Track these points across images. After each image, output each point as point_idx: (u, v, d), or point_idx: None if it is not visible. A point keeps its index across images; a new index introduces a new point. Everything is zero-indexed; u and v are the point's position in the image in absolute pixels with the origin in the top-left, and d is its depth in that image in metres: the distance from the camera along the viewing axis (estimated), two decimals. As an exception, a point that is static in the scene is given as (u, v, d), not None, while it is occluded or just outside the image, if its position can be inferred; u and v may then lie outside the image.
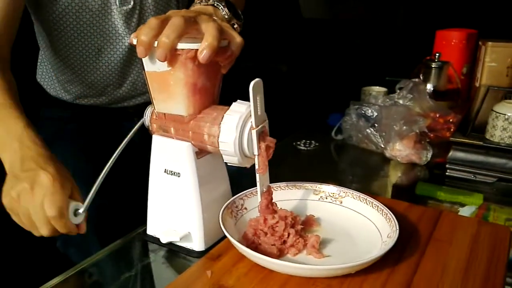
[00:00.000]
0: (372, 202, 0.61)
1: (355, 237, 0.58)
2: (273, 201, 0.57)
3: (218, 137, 0.53)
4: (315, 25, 2.60)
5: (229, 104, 0.55)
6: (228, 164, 0.56)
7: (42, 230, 0.58)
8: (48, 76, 1.00)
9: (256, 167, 0.54)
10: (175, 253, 0.60)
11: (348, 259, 0.52)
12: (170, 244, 0.60)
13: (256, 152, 0.53)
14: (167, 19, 0.51)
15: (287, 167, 0.93)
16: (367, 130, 0.98)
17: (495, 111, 0.85)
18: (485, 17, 1.87)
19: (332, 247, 0.56)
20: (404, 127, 0.91)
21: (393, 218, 0.56)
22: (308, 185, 0.67)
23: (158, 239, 0.60)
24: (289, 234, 0.55)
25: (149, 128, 0.60)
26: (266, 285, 0.49)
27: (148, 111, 0.60)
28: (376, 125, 0.97)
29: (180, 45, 0.51)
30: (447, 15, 2.02)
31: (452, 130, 1.00)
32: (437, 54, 1.21)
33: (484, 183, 0.86)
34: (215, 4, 0.63)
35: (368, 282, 0.50)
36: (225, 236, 0.53)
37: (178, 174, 0.58)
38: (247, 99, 0.51)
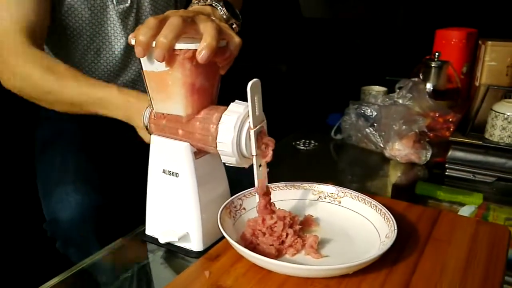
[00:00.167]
0: (371, 202, 0.61)
1: (353, 237, 0.58)
2: (271, 201, 0.57)
3: (216, 138, 0.53)
4: (315, 24, 2.60)
5: (228, 105, 0.55)
6: (226, 164, 0.56)
7: None
8: None
9: (254, 167, 0.54)
10: (174, 253, 0.60)
11: (347, 259, 0.51)
12: (169, 244, 0.60)
13: (254, 153, 0.53)
14: (165, 19, 0.51)
15: (286, 167, 0.93)
16: (367, 129, 0.98)
17: (494, 111, 0.85)
18: (485, 16, 1.86)
19: (331, 247, 0.56)
20: (404, 126, 0.91)
21: (391, 218, 0.56)
22: (307, 185, 0.67)
23: (157, 239, 0.60)
24: (287, 234, 0.55)
25: (148, 128, 0.60)
26: (264, 286, 0.49)
27: (146, 111, 0.60)
28: (375, 124, 0.97)
29: (178, 45, 0.51)
30: (446, 15, 2.02)
31: (451, 129, 1.00)
32: (437, 54, 1.21)
33: (483, 182, 0.86)
34: (213, 4, 0.63)
35: (367, 282, 0.50)
36: (223, 237, 0.53)
37: (177, 174, 0.58)
38: (246, 100, 0.51)
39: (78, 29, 0.88)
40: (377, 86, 1.20)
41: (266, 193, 0.56)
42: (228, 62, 0.57)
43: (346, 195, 0.64)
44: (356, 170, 0.96)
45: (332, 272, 0.49)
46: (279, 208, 0.57)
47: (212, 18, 0.55)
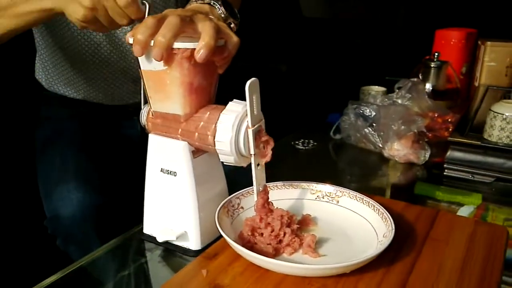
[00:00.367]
0: (369, 202, 0.61)
1: (351, 237, 0.58)
2: (269, 200, 0.57)
3: (215, 137, 0.53)
4: (314, 24, 2.60)
5: (226, 104, 0.55)
6: (225, 163, 0.56)
7: (123, 22, 0.59)
8: (46, 73, 1.00)
9: (252, 166, 0.54)
10: (172, 252, 0.60)
11: (344, 258, 0.52)
12: (167, 243, 0.60)
13: (252, 152, 0.53)
14: (163, 18, 0.51)
15: (285, 166, 0.93)
16: (365, 129, 0.98)
17: (493, 111, 0.85)
18: (485, 17, 1.86)
19: (328, 247, 0.56)
20: (403, 126, 0.91)
21: (389, 218, 0.56)
22: (305, 184, 0.67)
23: (155, 238, 0.60)
24: (285, 234, 0.55)
25: (146, 127, 0.60)
26: (262, 284, 0.49)
27: (144, 110, 0.60)
28: (374, 124, 0.97)
29: (176, 44, 0.51)
30: (446, 15, 2.02)
31: (450, 129, 1.00)
32: (436, 54, 1.21)
33: (482, 183, 0.86)
34: (212, 3, 0.63)
35: (364, 282, 0.50)
36: (221, 235, 0.53)
37: (175, 173, 0.58)
38: (244, 99, 0.51)
39: (74, 27, 0.88)
40: (376, 86, 1.20)
41: (264, 192, 0.56)
42: (226, 62, 0.57)
43: (344, 195, 0.64)
44: (354, 170, 0.96)
45: (330, 271, 0.49)
46: (277, 207, 0.57)
47: (210, 17, 0.55)
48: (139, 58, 0.54)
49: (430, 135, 1.00)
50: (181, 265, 0.56)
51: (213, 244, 0.58)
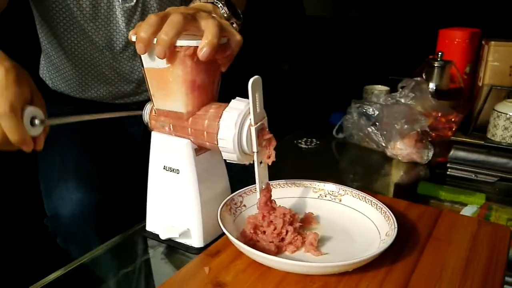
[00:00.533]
0: (371, 200, 0.61)
1: (353, 235, 0.58)
2: (272, 198, 0.57)
3: (217, 134, 0.53)
4: (317, 23, 2.60)
5: (228, 102, 0.55)
6: (227, 161, 0.56)
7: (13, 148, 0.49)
8: (50, 72, 1.00)
9: (255, 164, 0.54)
10: (174, 249, 0.61)
11: (346, 257, 0.51)
12: (169, 241, 0.61)
13: (255, 149, 0.53)
14: (166, 16, 0.51)
15: (288, 165, 0.93)
16: (368, 128, 0.98)
17: (496, 111, 0.85)
18: (488, 16, 1.86)
19: (331, 245, 0.56)
20: (406, 126, 0.91)
21: (392, 217, 0.56)
22: (308, 183, 0.67)
23: (157, 235, 0.60)
24: (287, 232, 0.55)
25: (148, 124, 0.61)
26: (264, 282, 0.50)
27: (147, 108, 0.60)
28: (377, 123, 0.97)
29: (179, 42, 0.51)
30: (450, 14, 2.01)
31: (453, 129, 0.99)
32: (440, 53, 1.20)
33: (485, 182, 0.85)
34: (214, 2, 0.63)
35: (366, 280, 0.50)
36: (223, 233, 0.53)
37: (177, 171, 0.58)
38: (247, 97, 0.51)
39: (83, 25, 0.88)
40: (380, 85, 1.19)
41: (267, 190, 0.57)
42: (229, 60, 0.57)
43: (347, 193, 0.64)
44: (357, 169, 0.96)
45: (332, 269, 0.49)
46: (280, 205, 0.57)
47: (213, 15, 0.55)
48: (142, 56, 0.54)
49: (433, 134, 1.00)
50: (184, 263, 0.56)
51: (215, 241, 0.58)
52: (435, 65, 1.20)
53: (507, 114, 0.83)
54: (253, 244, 0.54)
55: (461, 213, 0.74)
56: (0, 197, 1.20)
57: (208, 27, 0.51)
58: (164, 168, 0.59)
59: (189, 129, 0.56)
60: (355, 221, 0.61)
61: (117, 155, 0.99)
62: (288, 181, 0.67)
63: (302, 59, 2.42)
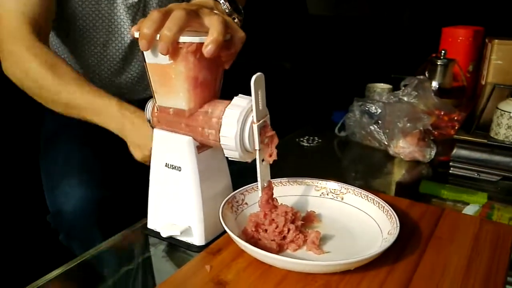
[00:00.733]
0: (374, 199, 0.61)
1: (355, 234, 0.58)
2: (274, 196, 0.57)
3: (219, 131, 0.53)
4: (319, 21, 2.59)
5: (231, 99, 0.55)
6: (229, 158, 0.56)
7: None
8: None
9: (257, 161, 0.54)
10: (175, 247, 0.60)
11: (348, 255, 0.51)
12: (170, 238, 0.60)
13: (257, 147, 0.53)
14: (168, 12, 0.50)
15: (290, 163, 0.93)
16: (371, 127, 0.98)
17: (500, 109, 0.85)
18: (492, 15, 1.85)
19: (333, 244, 0.56)
20: (408, 124, 0.90)
21: (394, 215, 0.56)
22: (309, 181, 0.67)
23: (159, 233, 0.60)
24: (289, 230, 0.55)
25: (150, 121, 0.60)
26: (265, 280, 0.49)
27: (149, 105, 0.60)
28: (379, 122, 0.97)
29: (182, 38, 0.50)
30: (453, 12, 2.00)
31: (456, 128, 0.99)
32: (443, 52, 1.20)
33: (488, 181, 0.85)
34: None
35: (368, 279, 0.49)
36: (225, 231, 0.53)
37: (179, 168, 0.58)
38: (249, 95, 0.51)
39: (85, 22, 0.88)
40: (382, 84, 1.19)
41: (269, 188, 0.56)
42: (232, 57, 0.57)
43: (349, 192, 0.64)
44: (359, 167, 0.96)
45: (333, 267, 0.49)
46: (282, 204, 0.57)
47: (216, 12, 0.55)
48: (144, 52, 0.54)
49: (436, 133, 1.00)
50: (185, 260, 0.56)
51: (217, 239, 0.58)
52: (438, 63, 1.19)
53: (510, 112, 0.83)
54: (254, 242, 0.54)
55: (463, 212, 0.73)
56: (2, 195, 1.20)
57: (213, 24, 0.51)
58: (166, 166, 0.59)
59: (191, 126, 0.56)
60: (357, 219, 0.60)
61: (120, 152, 0.99)
62: (290, 179, 0.67)
63: (305, 57, 2.42)
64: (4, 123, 1.21)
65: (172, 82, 0.54)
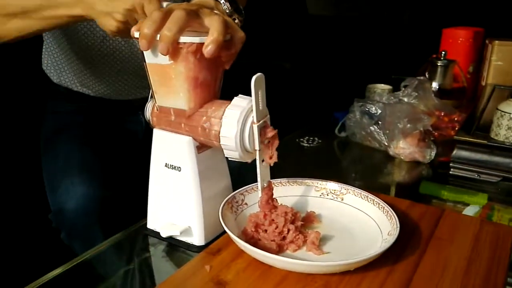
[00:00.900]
0: (373, 200, 0.61)
1: (355, 234, 0.58)
2: (273, 196, 0.57)
3: (219, 132, 0.53)
4: (319, 22, 2.59)
5: (231, 99, 0.55)
6: (229, 159, 0.56)
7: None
8: (53, 64, 1.00)
9: (257, 162, 0.54)
10: (175, 247, 0.60)
11: (348, 256, 0.51)
12: (170, 238, 0.60)
13: (257, 147, 0.53)
14: (169, 12, 0.50)
15: (290, 163, 0.93)
16: (371, 127, 0.98)
17: (500, 110, 0.85)
18: (492, 16, 1.85)
19: (332, 244, 0.56)
20: (408, 125, 0.90)
21: (394, 216, 0.56)
22: (309, 181, 0.67)
23: (158, 233, 0.60)
24: (289, 230, 0.55)
25: (150, 121, 0.60)
26: (265, 281, 0.49)
27: (149, 105, 0.60)
28: (380, 122, 0.97)
29: (182, 39, 0.50)
30: (453, 13, 2.00)
31: (456, 128, 0.99)
32: (443, 52, 1.20)
33: (488, 182, 0.85)
34: None
35: (368, 280, 0.49)
36: (225, 231, 0.53)
37: (179, 169, 0.58)
38: (249, 95, 0.51)
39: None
40: (383, 84, 1.19)
41: (269, 189, 0.56)
42: (232, 57, 0.57)
43: (349, 192, 0.64)
44: (359, 168, 0.96)
45: (333, 268, 0.49)
46: (281, 204, 0.57)
47: (216, 12, 0.55)
48: (144, 52, 0.53)
49: (436, 133, 1.00)
50: (185, 260, 0.56)
51: (216, 239, 0.58)
52: (439, 64, 1.20)
53: (510, 113, 0.83)
54: (254, 242, 0.54)
55: (463, 213, 0.73)
56: (3, 194, 1.20)
57: (213, 24, 0.51)
58: (165, 166, 0.59)
59: (191, 126, 0.56)
60: (357, 220, 0.60)
61: (120, 151, 0.99)
62: (290, 179, 0.67)
63: (305, 58, 2.42)
64: (4, 123, 1.21)
65: (172, 82, 0.54)
